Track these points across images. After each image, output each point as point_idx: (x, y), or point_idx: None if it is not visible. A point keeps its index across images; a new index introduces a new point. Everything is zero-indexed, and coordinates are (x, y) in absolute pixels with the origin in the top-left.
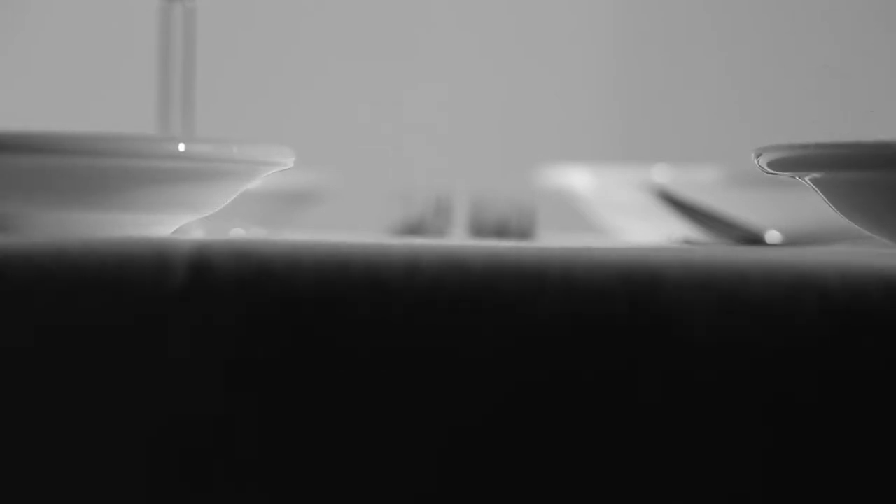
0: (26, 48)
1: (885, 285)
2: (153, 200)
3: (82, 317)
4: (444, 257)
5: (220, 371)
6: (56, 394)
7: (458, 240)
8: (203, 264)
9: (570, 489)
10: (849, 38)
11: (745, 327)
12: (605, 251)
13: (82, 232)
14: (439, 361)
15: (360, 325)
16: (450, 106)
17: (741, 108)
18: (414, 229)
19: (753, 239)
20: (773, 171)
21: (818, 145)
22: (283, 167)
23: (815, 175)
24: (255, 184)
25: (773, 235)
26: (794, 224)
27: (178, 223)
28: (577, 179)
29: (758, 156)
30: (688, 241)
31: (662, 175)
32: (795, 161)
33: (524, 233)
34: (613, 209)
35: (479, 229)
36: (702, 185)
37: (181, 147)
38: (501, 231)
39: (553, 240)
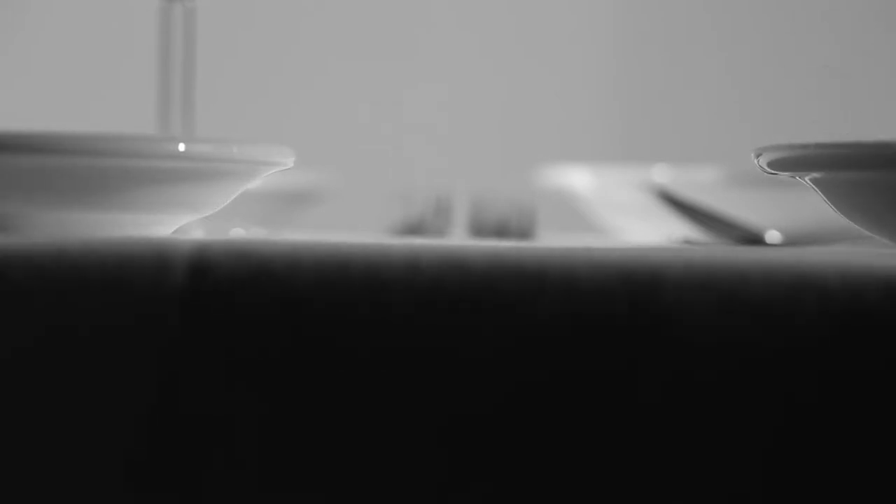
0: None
1: (885, 285)
2: (153, 200)
3: (82, 317)
4: (444, 257)
5: (220, 371)
6: (55, 394)
7: (458, 240)
8: (203, 264)
9: (570, 489)
10: (849, 38)
11: (745, 327)
12: (605, 251)
13: (82, 232)
14: (439, 361)
15: (360, 325)
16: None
17: (741, 108)
18: (414, 229)
19: (753, 239)
20: (773, 171)
21: (818, 145)
22: (283, 167)
23: (815, 175)
24: (255, 184)
25: (773, 235)
26: (794, 224)
27: (178, 223)
28: (577, 179)
29: (758, 156)
30: (688, 241)
31: (662, 175)
32: (795, 161)
33: (524, 233)
34: (613, 209)
35: (479, 229)
36: (702, 185)
37: (181, 147)
38: (501, 231)
39: (553, 240)
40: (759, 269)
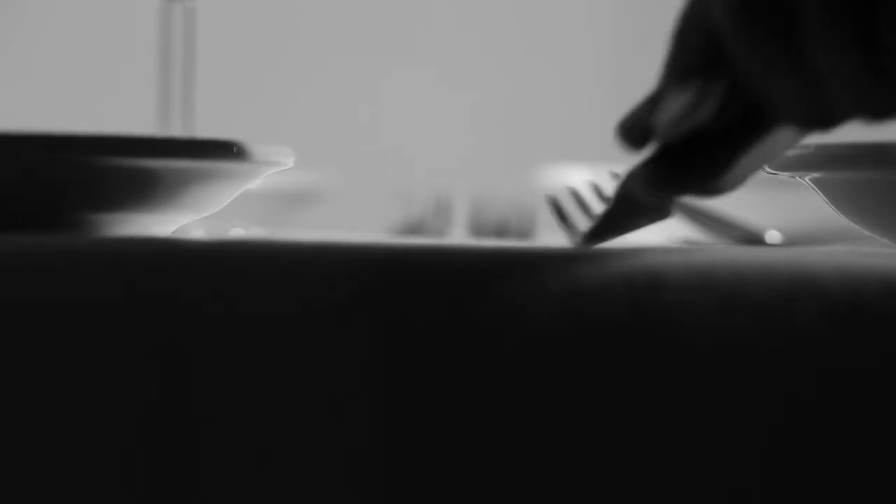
0: (26, 48)
1: (885, 285)
2: (153, 200)
3: (82, 317)
4: (445, 257)
5: (221, 371)
6: (55, 394)
7: (458, 240)
8: (203, 264)
9: (570, 490)
10: None
11: (745, 327)
12: (605, 251)
13: (82, 231)
14: (439, 361)
15: (361, 325)
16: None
17: None
18: (414, 229)
19: (753, 239)
20: (773, 171)
21: (818, 145)
22: (283, 167)
23: (815, 175)
24: (255, 184)
25: (773, 235)
26: (794, 224)
27: (178, 223)
28: (577, 179)
29: None
30: (688, 241)
31: None
32: (795, 161)
33: (524, 233)
34: None
35: (479, 229)
36: None
37: (181, 147)
38: (501, 231)
39: (553, 240)
40: (759, 269)
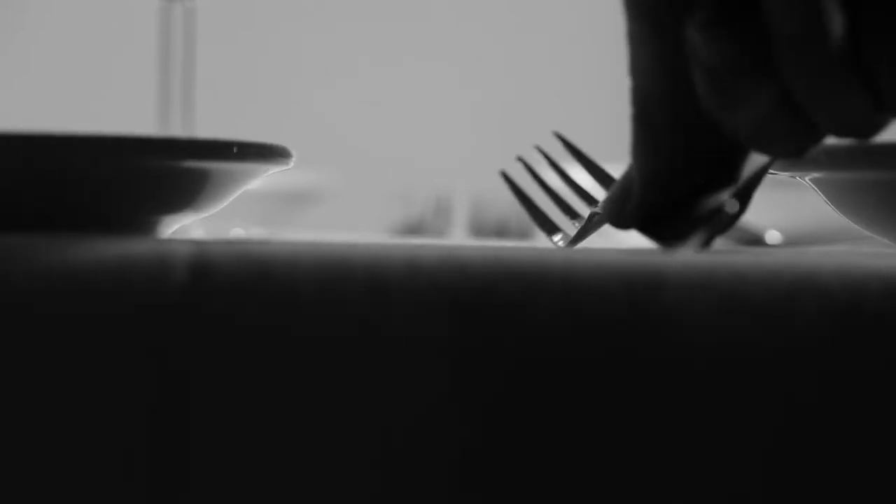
0: (26, 48)
1: (885, 285)
2: (153, 200)
3: (81, 316)
4: (444, 257)
5: (220, 371)
6: (55, 394)
7: (458, 240)
8: (203, 264)
9: (570, 490)
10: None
11: (745, 327)
12: (605, 251)
13: (82, 231)
14: (439, 361)
15: (361, 325)
16: (450, 106)
17: None
18: (414, 229)
19: (753, 239)
20: (772, 171)
21: (818, 145)
22: (283, 167)
23: (815, 175)
24: (255, 184)
25: (773, 235)
26: (794, 224)
27: (178, 223)
28: (577, 179)
29: None
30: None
31: None
32: (795, 161)
33: (524, 233)
34: None
35: (479, 229)
36: None
37: (182, 147)
38: (501, 231)
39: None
40: (759, 269)
